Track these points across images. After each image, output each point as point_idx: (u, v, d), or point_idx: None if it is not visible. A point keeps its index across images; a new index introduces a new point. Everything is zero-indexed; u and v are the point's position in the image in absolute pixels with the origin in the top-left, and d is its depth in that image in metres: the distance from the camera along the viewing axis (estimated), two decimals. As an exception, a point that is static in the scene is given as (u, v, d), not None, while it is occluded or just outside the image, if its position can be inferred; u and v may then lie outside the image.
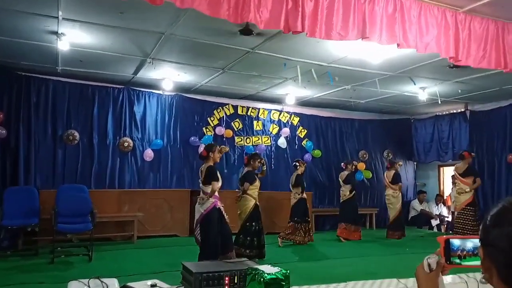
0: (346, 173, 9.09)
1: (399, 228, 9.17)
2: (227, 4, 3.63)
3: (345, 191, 9.00)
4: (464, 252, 1.23)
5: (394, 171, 9.38)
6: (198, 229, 5.65)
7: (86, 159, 8.50)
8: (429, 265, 1.27)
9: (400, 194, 9.40)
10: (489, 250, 0.96)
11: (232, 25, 4.90)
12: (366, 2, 4.08)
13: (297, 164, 8.39)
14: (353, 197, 8.93)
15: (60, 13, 5.15)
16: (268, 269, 2.20)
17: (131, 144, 8.85)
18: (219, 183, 5.72)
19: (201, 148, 9.31)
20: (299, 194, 8.13)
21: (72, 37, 5.93)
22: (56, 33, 5.80)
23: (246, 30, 5.27)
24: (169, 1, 3.40)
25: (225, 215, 5.75)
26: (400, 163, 9.67)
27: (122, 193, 8.42)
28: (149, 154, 8.99)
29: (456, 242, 1.24)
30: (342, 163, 9.44)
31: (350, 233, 8.77)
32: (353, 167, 9.35)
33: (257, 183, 6.73)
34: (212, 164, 5.70)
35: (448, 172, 12.08)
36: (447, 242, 1.25)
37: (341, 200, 9.12)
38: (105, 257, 6.56)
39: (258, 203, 6.67)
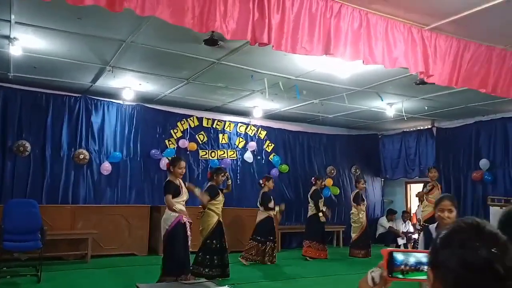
0: (313, 188, 9.18)
1: (364, 246, 9.30)
2: (191, 13, 3.63)
3: (312, 207, 9.08)
4: (407, 267, 1.24)
5: (356, 191, 9.59)
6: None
7: (37, 171, 8.24)
8: (372, 278, 1.27)
9: (364, 212, 9.51)
10: (439, 272, 1.00)
11: (197, 34, 4.91)
12: (331, 17, 4.17)
13: (261, 182, 8.44)
14: (317, 214, 8.98)
15: (12, 16, 5.02)
16: None
17: (87, 157, 8.64)
18: (181, 198, 5.72)
19: (163, 162, 9.28)
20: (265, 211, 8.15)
21: (25, 42, 5.77)
22: (8, 37, 5.64)
23: (211, 41, 5.29)
24: (129, 8, 3.37)
25: (188, 232, 5.71)
26: (362, 182, 9.75)
27: (76, 209, 8.19)
28: (106, 167, 8.80)
29: (399, 256, 1.24)
30: (312, 178, 9.52)
31: (316, 251, 8.83)
32: (322, 183, 9.47)
33: (221, 198, 6.69)
34: (171, 178, 5.76)
35: (414, 189, 12.42)
36: (391, 255, 1.25)
37: (308, 216, 9.19)
38: (55, 278, 6.33)
39: (221, 219, 6.62)
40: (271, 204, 8.23)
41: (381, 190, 12.52)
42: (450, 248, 0.98)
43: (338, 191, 11.57)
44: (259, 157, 10.67)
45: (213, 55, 6.09)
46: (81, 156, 8.56)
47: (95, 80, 7.75)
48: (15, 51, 5.86)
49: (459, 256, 0.96)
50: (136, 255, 8.41)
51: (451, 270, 0.96)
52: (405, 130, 11.68)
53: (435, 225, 3.26)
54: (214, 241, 6.46)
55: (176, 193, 5.74)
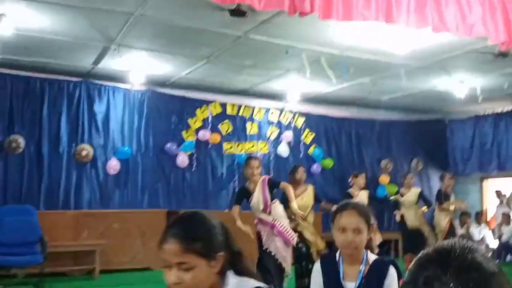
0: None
1: None
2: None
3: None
4: None
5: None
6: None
7: (33, 172, 8.45)
8: None
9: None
10: None
11: (219, 4, 4.92)
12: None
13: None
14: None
15: (0, -12, 5.15)
16: None
17: (91, 153, 8.81)
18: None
19: (180, 158, 9.40)
20: None
21: (16, 19, 5.90)
22: (-5, 13, 5.79)
23: (238, 11, 5.29)
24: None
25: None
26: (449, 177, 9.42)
27: (80, 216, 8.38)
28: (113, 165, 8.96)
29: None
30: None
31: None
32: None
33: None
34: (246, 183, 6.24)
35: (493, 186, 12.17)
36: None
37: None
38: (58, 298, 6.53)
39: None
40: None
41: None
42: (414, 286, 0.93)
43: (396, 189, 11.41)
44: (296, 150, 10.64)
45: (238, 27, 6.09)
46: (84, 153, 8.74)
47: (97, 61, 7.86)
48: (4, 29, 5.99)
49: None
50: (151, 270, 8.54)
51: None
52: (479, 114, 11.41)
53: None
54: None
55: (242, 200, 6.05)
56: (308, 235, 6.60)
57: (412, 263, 0.99)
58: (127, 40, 6.74)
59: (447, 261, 0.92)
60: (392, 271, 2.53)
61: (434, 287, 0.90)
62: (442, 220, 8.92)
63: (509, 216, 11.03)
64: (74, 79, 8.82)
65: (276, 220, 5.90)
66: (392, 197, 9.34)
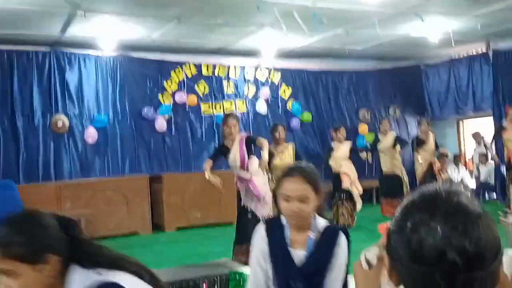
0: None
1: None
2: None
3: None
4: None
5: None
6: None
7: (9, 146, 8.38)
8: (367, 261, 1.23)
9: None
10: (393, 262, 0.98)
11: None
12: None
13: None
14: None
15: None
16: None
17: (67, 123, 8.72)
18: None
19: (159, 122, 9.32)
20: None
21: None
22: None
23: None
24: None
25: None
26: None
27: (61, 187, 8.35)
28: (91, 134, 8.89)
29: None
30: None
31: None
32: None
33: None
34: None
35: (469, 127, 12.34)
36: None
37: None
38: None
39: None
40: None
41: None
42: (401, 234, 0.94)
43: (374, 137, 11.52)
44: (274, 106, 10.62)
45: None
46: (60, 124, 8.64)
47: (65, 28, 7.69)
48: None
49: (408, 245, 0.91)
50: (139, 234, 8.61)
51: (403, 263, 0.93)
52: (453, 57, 11.45)
53: None
54: None
55: (225, 157, 5.87)
56: None
57: (397, 211, 0.99)
58: (93, 4, 6.58)
59: (433, 206, 0.93)
60: (342, 239, 2.34)
61: (421, 232, 0.90)
62: (420, 166, 9.13)
63: (486, 156, 11.26)
64: (43, 49, 8.66)
65: (253, 175, 5.92)
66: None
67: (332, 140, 8.75)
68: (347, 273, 2.33)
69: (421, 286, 0.91)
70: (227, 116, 6.33)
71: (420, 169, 9.09)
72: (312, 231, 2.35)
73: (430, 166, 9.05)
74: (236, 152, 5.90)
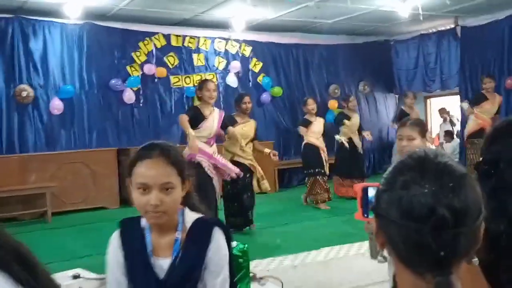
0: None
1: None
2: None
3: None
4: None
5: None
6: None
7: (-29, 117, 8.10)
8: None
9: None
10: (382, 221, 0.99)
11: None
12: None
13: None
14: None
15: None
16: None
17: (31, 94, 8.46)
18: (199, 132, 5.77)
19: (126, 94, 9.12)
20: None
21: None
22: None
23: None
24: None
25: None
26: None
27: (25, 159, 8.15)
28: (57, 105, 8.66)
29: (373, 191, 1.19)
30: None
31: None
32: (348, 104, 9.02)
33: None
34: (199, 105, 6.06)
35: (436, 104, 12.50)
36: (365, 191, 1.26)
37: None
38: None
39: None
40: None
41: (396, 108, 12.54)
42: (391, 192, 0.97)
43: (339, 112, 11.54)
44: (245, 80, 10.52)
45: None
46: (24, 94, 8.38)
47: (28, -6, 7.41)
48: None
49: (398, 202, 0.95)
50: (106, 208, 8.49)
51: (392, 220, 0.95)
52: (422, 32, 11.50)
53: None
54: None
55: (196, 122, 5.71)
56: (247, 162, 6.55)
57: (388, 171, 1.03)
58: (56, -31, 6.32)
59: (423, 166, 0.98)
60: (217, 233, 1.88)
61: (411, 189, 0.94)
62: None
63: (452, 133, 11.45)
64: (5, 15, 8.35)
65: (215, 153, 5.88)
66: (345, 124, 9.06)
67: (305, 113, 8.52)
68: (232, 273, 1.97)
69: (409, 244, 0.94)
70: (206, 80, 6.33)
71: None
72: (180, 230, 1.88)
73: None
74: (214, 125, 5.87)
